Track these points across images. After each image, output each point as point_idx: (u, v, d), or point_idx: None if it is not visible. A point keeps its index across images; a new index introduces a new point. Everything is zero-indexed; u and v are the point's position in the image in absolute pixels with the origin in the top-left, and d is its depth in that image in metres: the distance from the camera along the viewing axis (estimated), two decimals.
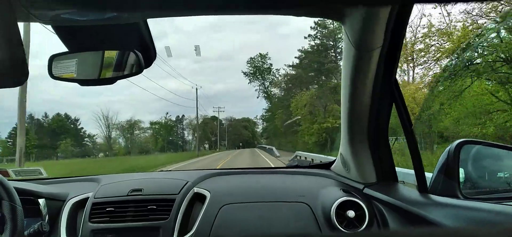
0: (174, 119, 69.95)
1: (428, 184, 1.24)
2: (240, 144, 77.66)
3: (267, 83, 60.04)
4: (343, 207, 1.42)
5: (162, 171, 2.70)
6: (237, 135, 79.40)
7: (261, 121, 74.71)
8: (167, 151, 61.61)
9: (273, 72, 58.03)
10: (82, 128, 56.39)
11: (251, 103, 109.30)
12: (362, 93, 1.28)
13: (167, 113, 71.87)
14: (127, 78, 0.93)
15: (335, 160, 1.83)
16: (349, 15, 1.04)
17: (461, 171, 1.21)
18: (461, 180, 1.20)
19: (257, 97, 63.47)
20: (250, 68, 60.84)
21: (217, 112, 67.44)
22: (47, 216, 1.49)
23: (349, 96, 1.33)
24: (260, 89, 61.06)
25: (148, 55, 0.92)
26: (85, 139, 56.10)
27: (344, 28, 1.12)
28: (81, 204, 1.57)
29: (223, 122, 78.66)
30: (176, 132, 71.34)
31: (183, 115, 75.21)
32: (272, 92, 57.77)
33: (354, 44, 1.12)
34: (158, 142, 64.03)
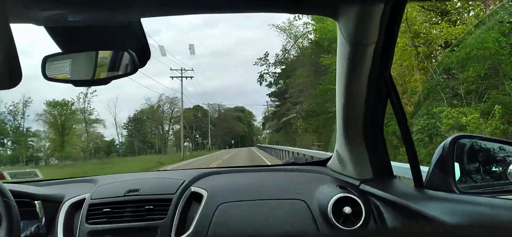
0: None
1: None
2: (232, 142, 59.32)
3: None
4: (340, 203, 1.42)
5: (158, 170, 2.70)
6: (228, 128, 59.76)
7: (270, 98, 43.75)
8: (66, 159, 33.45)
9: None
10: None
11: (250, 99, 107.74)
12: (357, 90, 1.29)
13: (91, 88, 39.46)
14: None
15: (331, 157, 1.84)
16: (343, 12, 1.04)
17: (456, 165, 1.21)
18: (457, 174, 1.20)
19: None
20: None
21: (180, 80, 38.22)
22: (43, 218, 1.48)
23: (344, 93, 1.33)
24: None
25: (142, 54, 0.92)
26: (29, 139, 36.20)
27: (338, 25, 1.12)
28: (77, 205, 1.56)
29: (208, 111, 57.81)
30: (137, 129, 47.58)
31: (159, 105, 49.62)
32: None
33: (348, 41, 1.12)
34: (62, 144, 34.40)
